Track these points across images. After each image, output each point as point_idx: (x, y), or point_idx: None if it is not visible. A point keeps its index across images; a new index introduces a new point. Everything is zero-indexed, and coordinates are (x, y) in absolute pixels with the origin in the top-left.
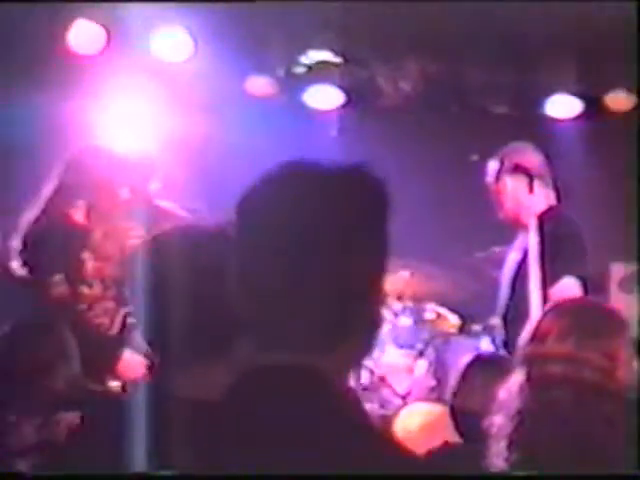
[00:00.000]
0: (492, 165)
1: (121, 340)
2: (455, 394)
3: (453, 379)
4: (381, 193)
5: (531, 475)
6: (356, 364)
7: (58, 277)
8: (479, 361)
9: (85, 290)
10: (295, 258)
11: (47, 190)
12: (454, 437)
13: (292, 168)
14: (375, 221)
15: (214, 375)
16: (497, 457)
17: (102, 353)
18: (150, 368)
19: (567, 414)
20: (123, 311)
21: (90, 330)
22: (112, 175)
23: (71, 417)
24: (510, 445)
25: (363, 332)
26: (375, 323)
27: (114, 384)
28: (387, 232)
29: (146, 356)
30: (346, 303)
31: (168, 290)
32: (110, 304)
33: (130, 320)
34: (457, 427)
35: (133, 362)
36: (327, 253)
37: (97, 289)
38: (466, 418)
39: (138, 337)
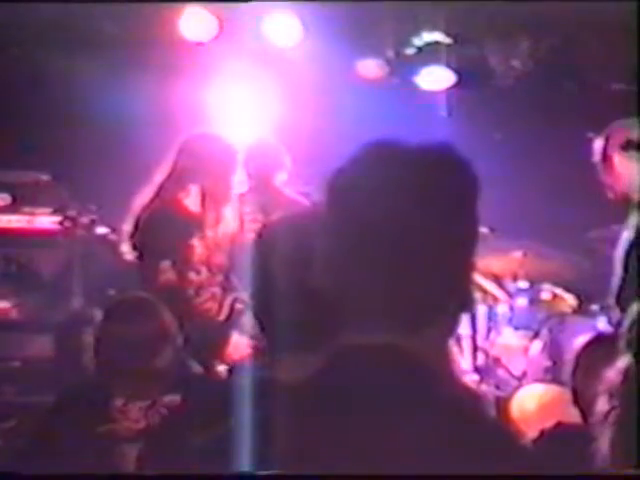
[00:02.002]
0: (598, 143)
1: (229, 325)
2: (574, 375)
3: (569, 359)
4: (469, 173)
5: (537, 475)
6: (447, 343)
7: (167, 263)
8: (598, 341)
9: (193, 276)
10: (385, 237)
11: (160, 175)
12: (569, 418)
13: (383, 147)
14: (463, 201)
15: (310, 359)
16: (604, 439)
17: (210, 337)
18: (257, 351)
19: None
20: (231, 297)
21: (198, 314)
22: (226, 162)
23: (171, 399)
24: (615, 428)
25: (453, 311)
26: (465, 303)
27: (220, 367)
28: (476, 212)
29: (253, 339)
30: (436, 282)
31: (276, 277)
32: (217, 290)
33: (238, 306)
34: (579, 408)
35: (240, 345)
36: (417, 232)
37: (204, 275)
38: (586, 399)
39: (247, 322)
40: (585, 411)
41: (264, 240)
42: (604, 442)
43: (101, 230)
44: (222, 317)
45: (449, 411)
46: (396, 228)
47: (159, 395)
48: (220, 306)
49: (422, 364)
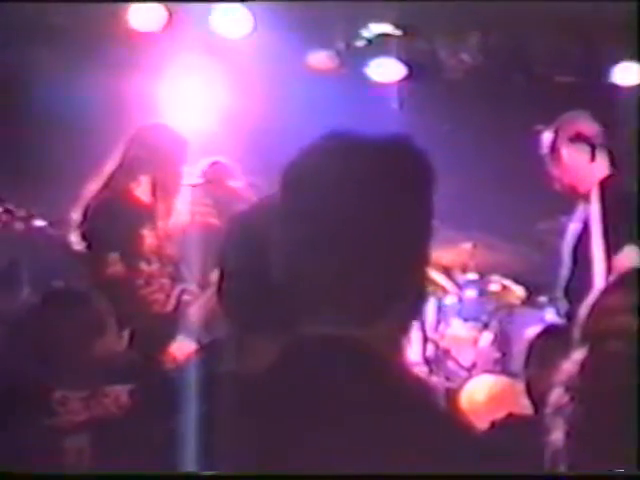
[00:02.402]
0: (547, 136)
1: (175, 321)
2: (526, 366)
3: (520, 351)
4: (425, 164)
5: (534, 475)
6: (401, 335)
7: (115, 254)
8: (549, 332)
9: (143, 266)
10: (340, 228)
11: (110, 165)
12: (520, 409)
13: (338, 138)
14: (419, 192)
15: (270, 349)
16: (557, 431)
17: (156, 329)
18: (199, 351)
19: (617, 390)
20: (179, 288)
21: (145, 305)
22: (177, 152)
23: (119, 391)
24: (568, 421)
25: (407, 303)
26: (420, 294)
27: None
28: (431, 204)
29: (197, 341)
30: (390, 274)
31: (230, 269)
32: (166, 281)
33: (186, 297)
34: (531, 400)
35: (183, 346)
36: (372, 223)
37: (155, 266)
38: (539, 391)
39: (192, 316)
40: (538, 403)
41: (220, 231)
42: (558, 435)
43: (41, 222)
44: (169, 308)
45: (400, 403)
46: (351, 219)
47: (100, 386)
48: (167, 297)
49: (376, 355)
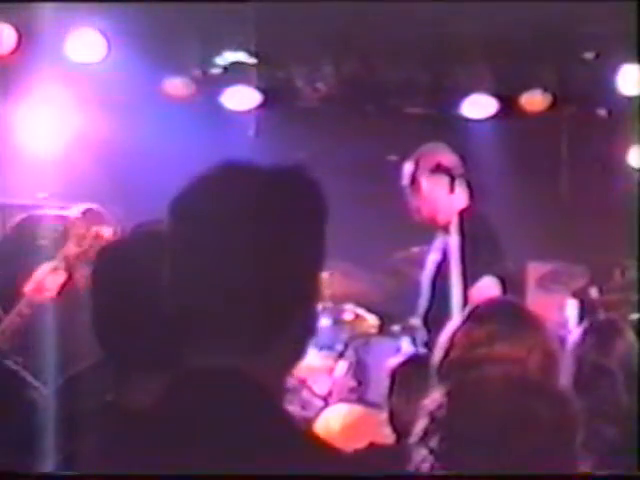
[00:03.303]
0: (407, 167)
1: None
2: (390, 396)
3: (383, 381)
4: (317, 194)
5: (532, 475)
6: (290, 367)
7: None
8: (411, 362)
9: None
10: (229, 260)
11: None
12: (381, 438)
13: (227, 169)
14: (310, 223)
15: (154, 383)
16: (422, 462)
17: None
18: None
19: (489, 416)
20: None
21: None
22: None
23: None
24: (432, 452)
25: (297, 335)
26: (310, 326)
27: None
28: (323, 234)
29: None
30: (280, 305)
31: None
32: None
33: None
34: (395, 429)
35: None
36: (261, 254)
37: None
38: (402, 420)
39: None
40: (401, 432)
41: (103, 261)
42: (421, 464)
43: None
44: None
45: (282, 434)
46: (239, 250)
47: None
48: None
49: (259, 387)
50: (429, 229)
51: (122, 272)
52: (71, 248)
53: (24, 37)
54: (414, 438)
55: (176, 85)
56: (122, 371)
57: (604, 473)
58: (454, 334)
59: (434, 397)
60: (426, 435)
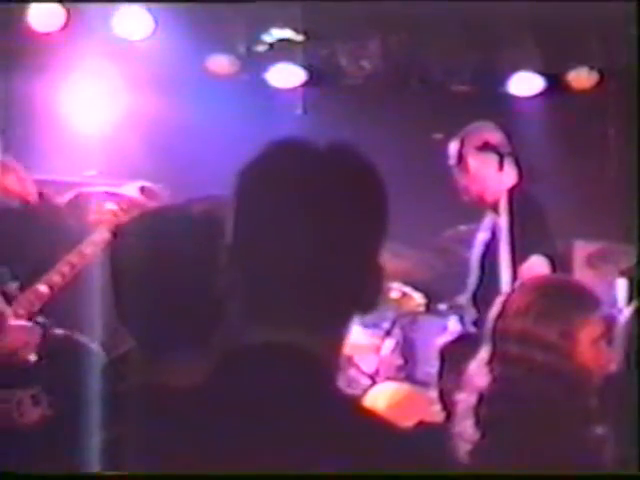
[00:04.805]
0: (453, 146)
1: None
2: (440, 375)
3: (430, 359)
4: (376, 172)
5: (531, 475)
6: (342, 344)
7: None
8: (460, 341)
9: None
10: (290, 237)
11: None
12: (430, 416)
13: (284, 147)
14: (370, 200)
15: (198, 362)
16: (463, 435)
17: None
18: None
19: (520, 394)
20: None
21: None
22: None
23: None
24: (475, 423)
25: (353, 313)
26: (368, 304)
27: None
28: (383, 212)
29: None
30: (341, 282)
31: (141, 281)
32: None
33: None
34: (444, 408)
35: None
36: (323, 232)
37: None
38: (450, 398)
39: None
40: (450, 410)
41: (120, 244)
42: (469, 437)
43: None
44: None
45: (340, 409)
46: (300, 228)
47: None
48: None
49: (320, 364)
50: (478, 208)
51: (167, 249)
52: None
53: (72, 14)
54: (460, 412)
55: (221, 62)
56: (163, 351)
57: (604, 473)
58: (502, 305)
59: (474, 370)
60: (469, 407)
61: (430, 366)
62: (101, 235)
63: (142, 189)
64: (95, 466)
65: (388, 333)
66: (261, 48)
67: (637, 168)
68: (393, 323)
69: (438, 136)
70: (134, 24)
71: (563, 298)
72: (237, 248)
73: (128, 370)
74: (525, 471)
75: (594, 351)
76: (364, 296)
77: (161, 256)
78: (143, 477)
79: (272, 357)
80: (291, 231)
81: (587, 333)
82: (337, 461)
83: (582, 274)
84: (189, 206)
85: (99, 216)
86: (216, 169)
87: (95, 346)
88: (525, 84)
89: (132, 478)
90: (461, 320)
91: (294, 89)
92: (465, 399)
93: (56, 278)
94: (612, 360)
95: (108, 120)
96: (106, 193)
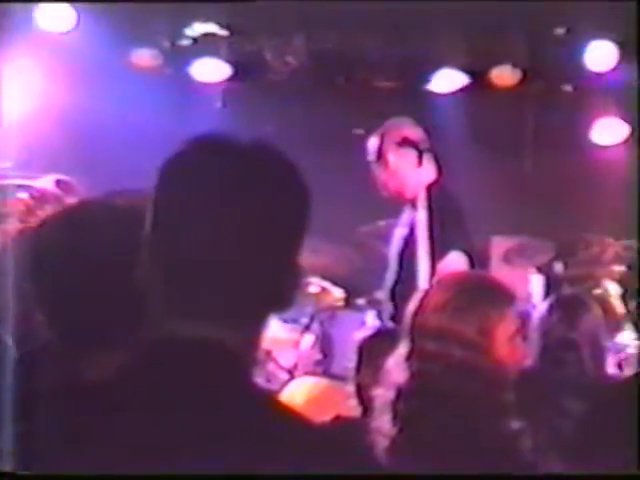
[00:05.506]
0: (373, 141)
1: None
2: (358, 370)
3: (348, 354)
4: (298, 174)
5: (530, 475)
6: (262, 339)
7: None
8: (378, 336)
9: None
10: (210, 233)
11: None
12: (347, 411)
13: (207, 142)
14: (291, 196)
15: (118, 357)
16: (381, 430)
17: None
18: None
19: (437, 390)
20: None
21: None
22: None
23: None
24: (393, 418)
25: (271, 308)
26: (287, 299)
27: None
28: (303, 207)
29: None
30: (257, 278)
31: (63, 274)
32: None
33: None
34: (361, 402)
35: None
36: (246, 226)
37: None
38: (368, 393)
39: None
40: (367, 405)
41: (40, 238)
42: (387, 432)
43: None
44: None
45: (256, 405)
46: (220, 224)
47: None
48: None
49: (237, 359)
50: (396, 203)
51: (89, 242)
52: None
53: None
54: (378, 407)
55: (144, 57)
56: (80, 346)
57: (603, 473)
58: (419, 301)
59: (392, 366)
60: (383, 402)
61: (348, 361)
62: (12, 225)
63: (58, 182)
64: (8, 464)
65: (307, 328)
66: (185, 42)
67: (637, 168)
68: (312, 318)
69: (359, 132)
70: (57, 17)
71: (479, 294)
72: (157, 243)
73: (45, 364)
74: (525, 471)
75: (510, 347)
76: (281, 292)
77: (83, 249)
78: (143, 477)
79: (190, 351)
80: (210, 226)
81: (503, 329)
82: (254, 456)
83: (499, 270)
84: (112, 199)
85: (10, 207)
86: (137, 163)
87: (7, 338)
88: (448, 81)
89: (132, 478)
90: (379, 315)
91: (218, 84)
92: (383, 394)
93: None
94: (527, 355)
95: (29, 113)
96: (19, 185)
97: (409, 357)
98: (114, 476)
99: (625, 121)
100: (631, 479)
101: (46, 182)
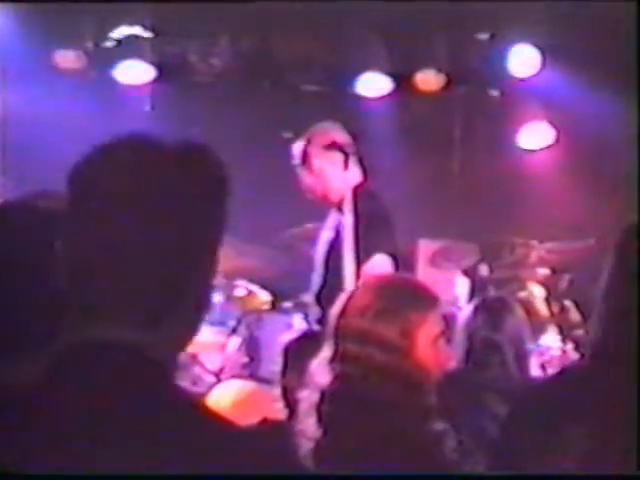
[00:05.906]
0: (299, 145)
1: None
2: (283, 373)
3: (275, 357)
4: (220, 174)
5: (529, 475)
6: (183, 343)
7: None
8: (303, 339)
9: None
10: (123, 234)
11: None
12: (272, 413)
13: (126, 142)
14: (207, 199)
15: (34, 360)
16: (306, 432)
17: None
18: None
19: (360, 392)
20: None
21: None
22: None
23: None
24: (318, 420)
25: (191, 311)
26: (204, 302)
27: None
28: (219, 211)
29: None
30: (173, 281)
31: None
32: None
33: None
34: (287, 405)
35: None
36: (156, 229)
37: None
38: (294, 395)
39: None
40: (293, 408)
41: None
42: (313, 434)
43: None
44: None
45: (173, 408)
46: (133, 225)
47: None
48: None
49: (157, 363)
50: (323, 206)
51: (5, 244)
52: None
53: None
54: (303, 410)
55: (67, 57)
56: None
57: (603, 473)
58: (343, 304)
59: (314, 367)
60: (312, 405)
61: (274, 364)
62: None
63: None
64: None
65: (234, 331)
66: (109, 44)
67: (637, 168)
68: (239, 321)
69: (288, 135)
70: None
71: (402, 297)
72: (73, 244)
73: None
74: (527, 472)
75: (433, 349)
76: (200, 293)
77: (1, 251)
78: (144, 477)
79: (110, 355)
80: (129, 228)
81: (425, 331)
82: (179, 459)
83: (425, 272)
84: (32, 200)
85: None
86: (59, 165)
87: None
88: (373, 85)
89: (132, 478)
90: (306, 318)
91: (142, 86)
92: (308, 397)
93: None
94: (451, 357)
95: None
96: None
97: (332, 359)
98: (115, 476)
99: (552, 125)
100: (631, 479)
101: None
